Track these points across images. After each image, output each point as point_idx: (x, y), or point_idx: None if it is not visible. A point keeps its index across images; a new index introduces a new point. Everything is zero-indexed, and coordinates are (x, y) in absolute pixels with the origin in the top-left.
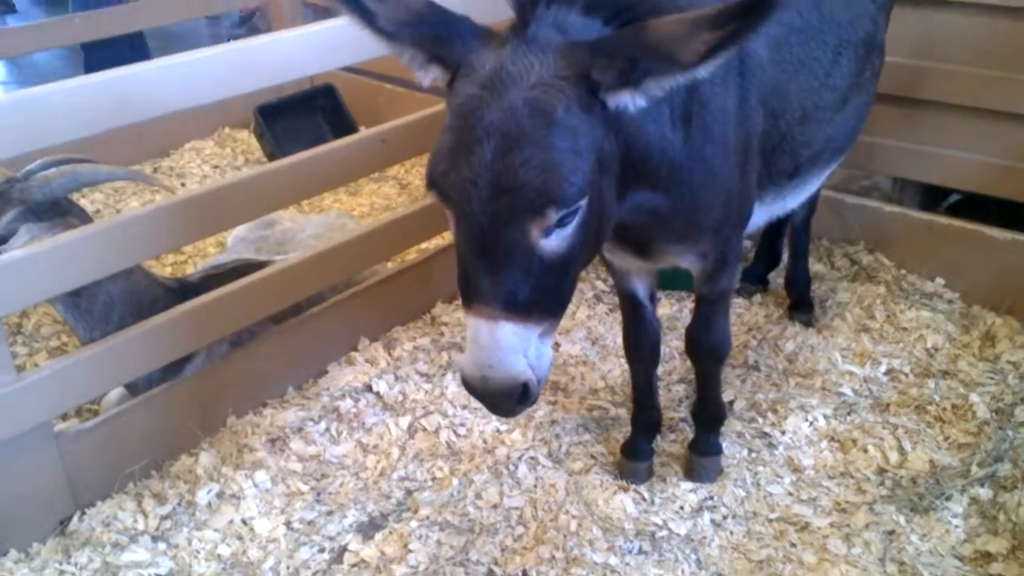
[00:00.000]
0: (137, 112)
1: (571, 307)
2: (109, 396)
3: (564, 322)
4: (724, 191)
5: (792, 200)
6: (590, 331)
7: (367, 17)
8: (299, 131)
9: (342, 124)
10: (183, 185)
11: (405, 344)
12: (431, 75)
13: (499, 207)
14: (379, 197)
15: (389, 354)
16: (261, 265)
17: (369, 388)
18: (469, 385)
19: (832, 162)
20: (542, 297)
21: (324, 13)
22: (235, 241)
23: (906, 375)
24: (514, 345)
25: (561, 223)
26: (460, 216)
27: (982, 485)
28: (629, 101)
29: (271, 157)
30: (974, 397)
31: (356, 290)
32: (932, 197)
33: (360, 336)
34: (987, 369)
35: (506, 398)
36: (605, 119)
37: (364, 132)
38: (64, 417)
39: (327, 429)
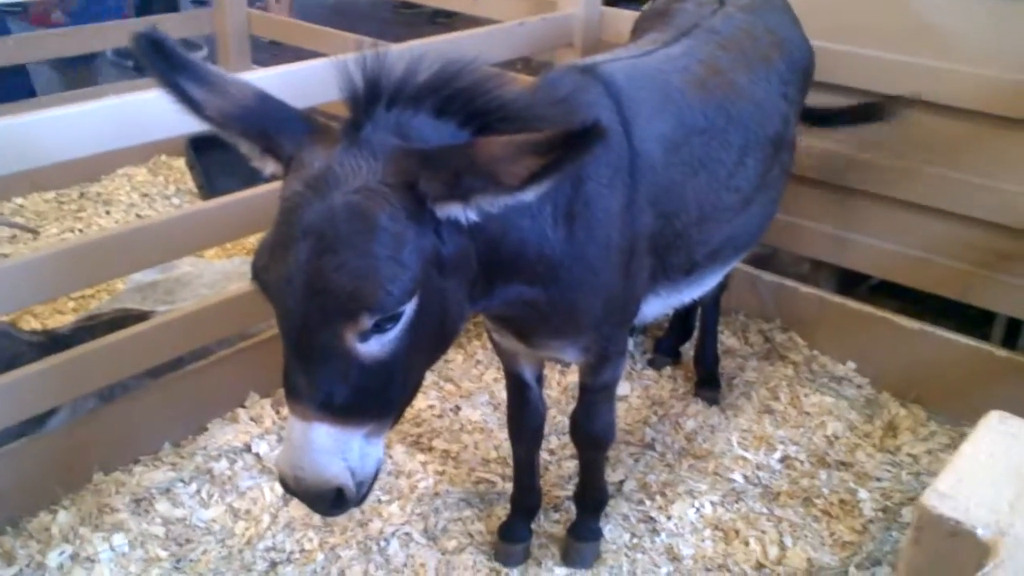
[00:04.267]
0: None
1: (479, 369)
2: None
3: (469, 384)
4: (606, 290)
5: (688, 294)
6: (493, 395)
7: (195, 107)
8: (233, 165)
9: None
10: (108, 213)
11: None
12: (268, 168)
13: (312, 308)
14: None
15: (277, 413)
16: (142, 316)
17: (248, 448)
18: (284, 484)
19: (734, 258)
20: (364, 400)
21: (273, 47)
22: (131, 284)
23: (801, 463)
24: (329, 447)
25: (380, 328)
26: (278, 312)
27: None
28: (460, 214)
29: (201, 189)
30: (863, 493)
31: (246, 344)
32: (851, 280)
33: (249, 391)
34: (884, 461)
35: (320, 501)
36: (445, 225)
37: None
38: None
39: (197, 491)
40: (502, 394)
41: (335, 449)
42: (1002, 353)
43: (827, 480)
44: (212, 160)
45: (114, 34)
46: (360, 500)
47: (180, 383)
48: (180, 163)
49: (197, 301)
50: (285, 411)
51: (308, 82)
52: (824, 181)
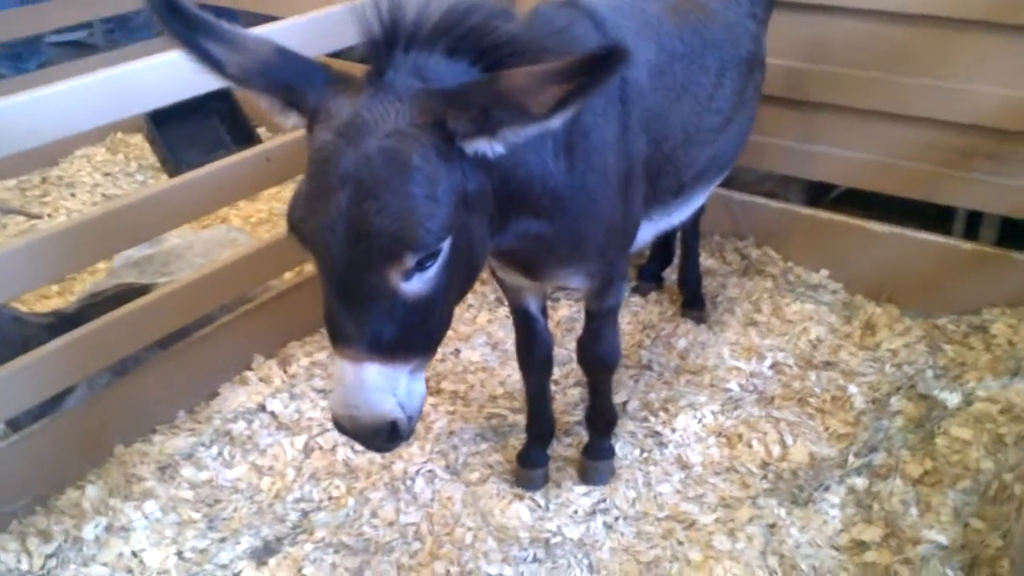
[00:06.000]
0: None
1: (471, 312)
2: None
3: (464, 328)
4: (607, 217)
5: (678, 216)
6: (490, 336)
7: (216, 66)
8: (195, 136)
9: (239, 128)
10: (73, 195)
11: (301, 360)
12: (291, 120)
13: (357, 253)
14: (279, 202)
15: (284, 371)
16: (143, 289)
17: (263, 408)
18: (338, 424)
19: (717, 178)
20: (409, 337)
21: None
22: (122, 261)
23: (790, 368)
24: (380, 385)
25: (421, 267)
26: (320, 261)
27: (858, 475)
28: (487, 148)
29: (164, 163)
30: (852, 388)
31: (248, 307)
32: (817, 192)
33: (254, 354)
34: (867, 358)
35: (375, 437)
36: (470, 161)
37: (247, 152)
38: None
39: (219, 453)
40: (498, 334)
41: (386, 386)
42: (967, 246)
43: (816, 380)
44: (173, 133)
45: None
46: (410, 433)
47: (188, 351)
48: (137, 139)
49: (196, 270)
50: (293, 369)
51: (324, 30)
52: (784, 97)
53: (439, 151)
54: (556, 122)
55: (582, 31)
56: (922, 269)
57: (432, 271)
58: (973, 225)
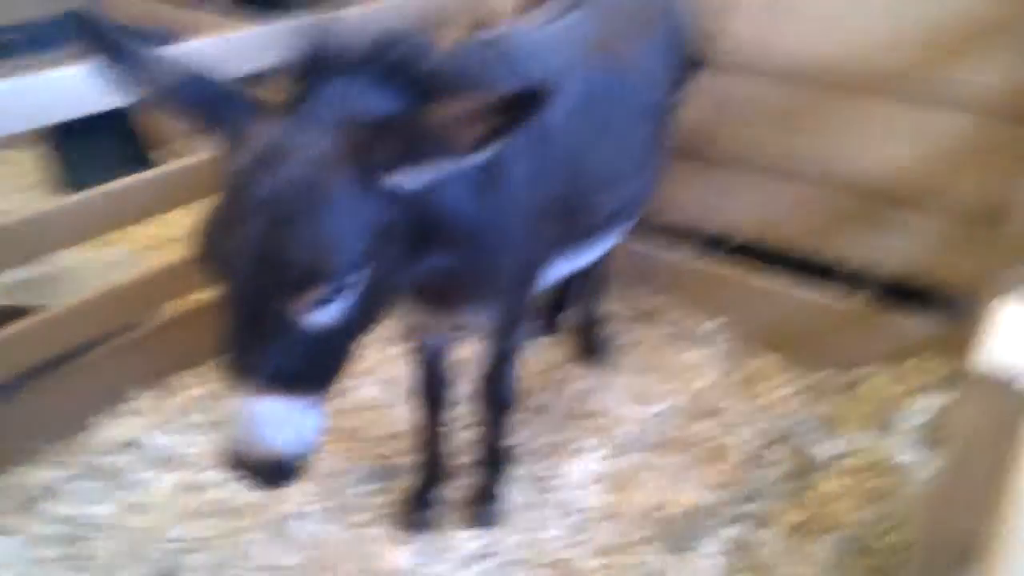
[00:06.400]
0: None
1: (365, 349)
2: None
3: (357, 365)
4: (518, 254)
5: (586, 257)
6: (384, 374)
7: (134, 85)
8: (94, 155)
9: (134, 151)
10: None
11: (182, 393)
12: (210, 142)
13: (267, 282)
14: (169, 228)
15: (163, 404)
16: (21, 311)
17: (138, 442)
18: (229, 459)
19: (626, 222)
20: (311, 370)
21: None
22: (10, 279)
23: (678, 415)
24: (278, 419)
25: (331, 299)
26: (227, 288)
27: (737, 524)
28: (409, 180)
29: (63, 181)
30: (735, 438)
31: (129, 337)
32: (714, 243)
33: (132, 385)
34: (750, 408)
35: (268, 473)
36: (390, 193)
37: (138, 175)
38: None
39: (87, 488)
40: (392, 372)
41: (283, 421)
42: (845, 302)
43: (703, 427)
44: (73, 152)
45: None
46: (303, 470)
47: (60, 380)
48: (20, 156)
49: (76, 296)
50: (172, 402)
51: (250, 49)
52: (686, 150)
53: (360, 181)
54: (480, 157)
55: (505, 68)
56: (805, 323)
57: (341, 303)
58: (859, 282)
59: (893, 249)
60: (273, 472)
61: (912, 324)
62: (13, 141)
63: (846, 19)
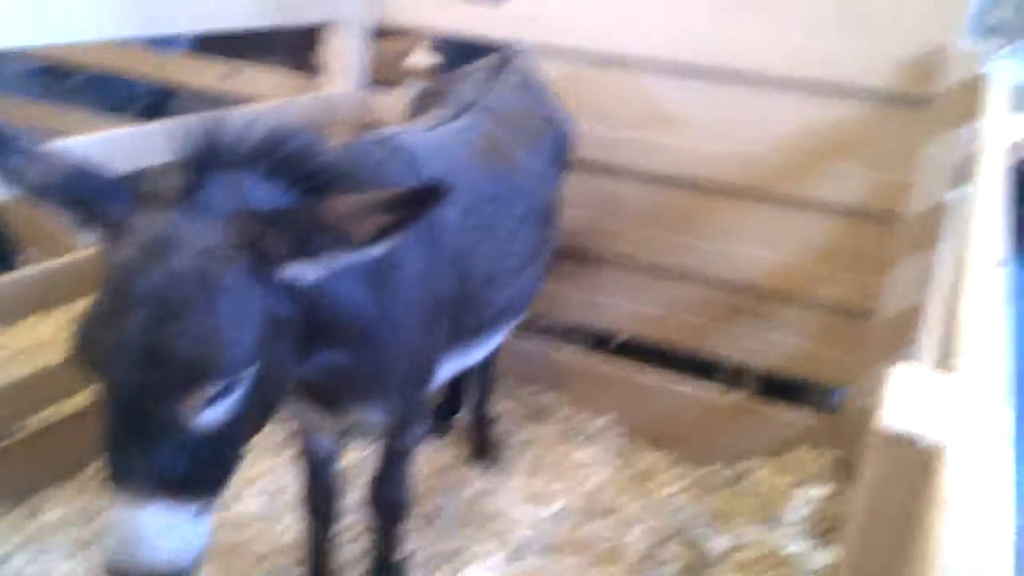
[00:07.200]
0: None
1: (252, 457)
2: None
3: (243, 473)
4: (410, 351)
5: (476, 354)
6: (270, 483)
7: (12, 177)
8: None
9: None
10: None
11: (53, 510)
12: (92, 235)
13: (151, 379)
14: (37, 332)
15: (31, 522)
16: None
17: (3, 563)
18: (109, 571)
19: (513, 319)
20: (199, 473)
21: None
22: None
23: (573, 514)
24: (161, 528)
25: (221, 396)
26: (108, 388)
27: None
28: (302, 273)
29: None
30: (629, 536)
31: None
32: (602, 339)
33: None
34: (645, 505)
35: None
36: (282, 287)
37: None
38: None
39: None
40: (281, 481)
41: (168, 529)
42: (728, 397)
43: (598, 527)
44: None
45: None
46: None
47: None
48: None
49: None
50: (42, 520)
51: (137, 146)
52: (572, 249)
53: (252, 273)
54: (376, 251)
55: (396, 168)
56: (691, 417)
57: (232, 401)
58: (740, 377)
59: (770, 344)
60: None
61: (790, 416)
62: None
63: (724, 128)
